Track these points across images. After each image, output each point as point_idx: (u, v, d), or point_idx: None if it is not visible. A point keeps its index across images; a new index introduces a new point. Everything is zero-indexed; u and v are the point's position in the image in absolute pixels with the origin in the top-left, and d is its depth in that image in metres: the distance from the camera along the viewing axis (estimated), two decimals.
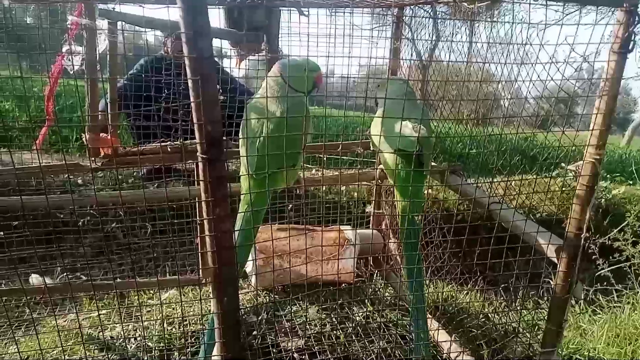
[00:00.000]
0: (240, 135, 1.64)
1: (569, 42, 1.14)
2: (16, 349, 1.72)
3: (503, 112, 1.81)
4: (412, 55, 2.20)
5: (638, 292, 2.93)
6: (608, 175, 5.94)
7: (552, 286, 1.39)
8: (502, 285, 2.57)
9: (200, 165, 0.99)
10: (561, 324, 1.40)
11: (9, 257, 2.03)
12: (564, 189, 1.89)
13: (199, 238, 2.14)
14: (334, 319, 2.06)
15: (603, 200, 4.71)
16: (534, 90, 1.46)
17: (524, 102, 1.56)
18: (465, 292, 2.47)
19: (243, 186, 1.60)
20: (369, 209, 2.51)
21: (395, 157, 1.70)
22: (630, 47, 1.09)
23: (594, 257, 3.24)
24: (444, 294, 2.38)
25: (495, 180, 1.71)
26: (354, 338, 1.95)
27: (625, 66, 1.12)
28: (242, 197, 1.58)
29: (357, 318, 2.09)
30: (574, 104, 1.43)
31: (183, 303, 2.11)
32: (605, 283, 3.06)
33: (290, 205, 2.34)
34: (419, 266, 1.73)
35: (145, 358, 1.75)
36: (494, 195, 1.62)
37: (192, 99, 0.93)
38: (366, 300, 2.23)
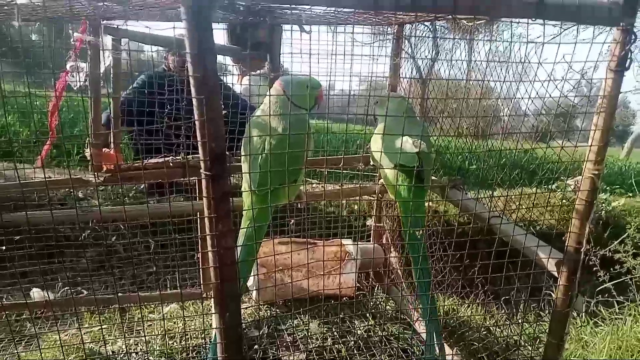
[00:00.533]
0: (243, 152, 1.65)
1: (566, 60, 1.16)
2: None
3: (503, 127, 1.83)
4: (412, 70, 2.23)
5: (639, 303, 2.93)
6: (608, 188, 5.96)
7: (553, 299, 1.39)
8: (504, 298, 2.57)
9: (204, 181, 1.00)
10: (562, 337, 1.40)
11: (10, 272, 2.04)
12: (563, 201, 1.90)
13: (200, 252, 2.15)
14: (335, 333, 2.06)
15: (603, 212, 4.72)
16: (533, 105, 1.48)
17: (523, 117, 1.58)
18: (467, 305, 2.47)
19: (245, 202, 1.62)
20: (370, 222, 2.52)
21: (396, 173, 1.71)
22: (627, 65, 1.11)
23: (594, 269, 3.24)
24: (446, 307, 2.38)
25: (495, 194, 1.72)
26: (355, 352, 1.95)
27: (622, 83, 1.14)
28: (244, 212, 1.59)
29: (359, 332, 2.09)
30: (573, 117, 1.44)
31: (185, 319, 2.10)
32: (606, 295, 3.06)
33: (292, 221, 2.34)
34: (427, 280, 1.74)
35: None
36: (494, 209, 1.63)
37: (196, 117, 0.94)
38: (367, 314, 2.22)
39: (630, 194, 5.61)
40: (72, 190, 2.72)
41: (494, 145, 1.76)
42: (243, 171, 1.59)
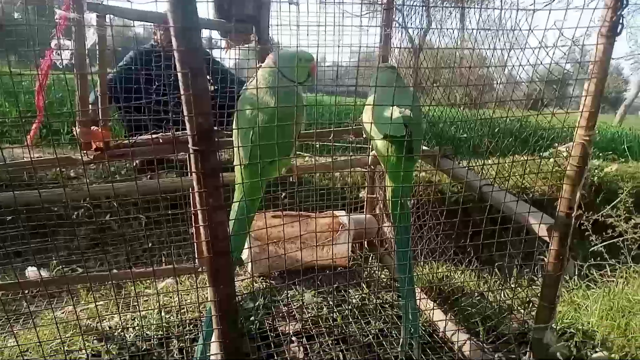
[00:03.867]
0: (234, 126, 1.63)
1: (557, 26, 1.14)
2: (13, 343, 1.74)
3: (495, 95, 1.82)
4: (403, 40, 2.20)
5: (631, 266, 2.97)
6: (601, 154, 5.99)
7: (545, 264, 1.41)
8: (497, 264, 2.60)
9: (192, 157, 0.99)
10: (554, 301, 1.42)
11: (3, 253, 2.04)
12: (555, 169, 1.91)
13: (193, 227, 2.16)
14: (330, 302, 2.08)
15: (596, 178, 4.77)
16: (525, 74, 1.47)
17: (515, 84, 1.57)
18: (460, 272, 2.50)
19: (237, 176, 1.61)
20: (363, 194, 2.53)
21: (386, 143, 1.71)
22: (618, 31, 1.09)
23: (587, 233, 3.28)
24: (439, 274, 2.41)
25: (487, 162, 1.72)
26: (350, 320, 1.98)
27: (613, 49, 1.13)
28: (236, 186, 1.58)
29: (353, 300, 2.11)
30: (565, 85, 1.44)
31: (180, 291, 2.12)
32: (598, 258, 3.10)
33: (284, 194, 2.35)
34: (409, 249, 1.75)
35: (144, 346, 1.76)
36: (486, 177, 1.64)
37: (182, 92, 0.93)
38: (362, 283, 2.25)
39: (623, 160, 5.64)
40: (60, 169, 2.69)
41: (486, 114, 1.75)
42: (234, 146, 1.58)
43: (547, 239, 1.37)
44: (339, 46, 1.48)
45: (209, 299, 1.18)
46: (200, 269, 2.21)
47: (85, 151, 1.80)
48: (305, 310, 2.03)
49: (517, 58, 1.37)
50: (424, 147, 1.94)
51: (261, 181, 1.56)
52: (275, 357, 1.75)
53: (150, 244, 2.87)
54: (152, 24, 3.23)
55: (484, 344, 1.91)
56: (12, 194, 1.45)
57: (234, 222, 1.52)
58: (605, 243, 3.20)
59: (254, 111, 1.51)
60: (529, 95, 1.66)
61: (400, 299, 1.98)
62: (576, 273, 2.91)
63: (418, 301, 1.96)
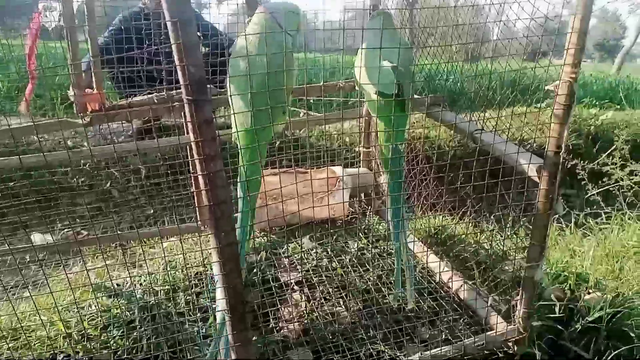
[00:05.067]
0: (230, 83, 1.54)
1: None
2: (24, 307, 1.81)
3: (491, 46, 1.81)
4: None
5: (626, 212, 3.02)
6: (597, 103, 5.98)
7: (535, 203, 1.45)
8: (492, 213, 2.65)
9: (186, 107, 1.02)
10: (544, 240, 1.47)
11: (7, 222, 2.08)
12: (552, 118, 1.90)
13: (193, 187, 2.20)
14: (330, 253, 2.14)
15: (592, 127, 4.78)
16: (522, 23, 1.46)
17: (512, 35, 1.56)
18: (456, 220, 2.55)
19: (240, 139, 1.56)
20: (359, 149, 2.56)
21: (377, 99, 1.72)
22: None
23: (583, 182, 3.32)
24: (435, 224, 2.46)
25: (483, 115, 1.72)
26: (350, 269, 2.04)
27: None
28: (240, 152, 1.55)
29: (352, 251, 2.17)
30: (562, 33, 1.43)
31: (184, 250, 2.17)
32: (595, 207, 3.15)
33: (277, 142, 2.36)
34: (402, 193, 1.77)
35: (152, 300, 1.83)
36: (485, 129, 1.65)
37: (172, 41, 0.95)
38: (360, 234, 2.31)
39: (618, 107, 5.64)
40: (63, 133, 2.71)
41: (482, 65, 1.75)
42: (232, 106, 1.53)
43: (536, 179, 1.40)
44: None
45: (212, 251, 1.23)
46: (203, 228, 2.27)
47: (81, 114, 1.82)
48: (305, 261, 2.09)
49: (510, 7, 1.36)
50: (416, 96, 1.94)
51: (262, 137, 1.54)
52: (279, 304, 1.82)
53: (152, 210, 2.92)
54: None
55: (479, 288, 1.98)
56: (16, 158, 1.48)
57: (240, 187, 1.52)
58: (601, 190, 3.25)
59: (249, 61, 1.44)
60: (525, 46, 1.65)
61: (392, 245, 2.02)
62: (572, 222, 2.96)
63: (412, 246, 2.01)
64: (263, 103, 1.44)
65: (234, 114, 1.46)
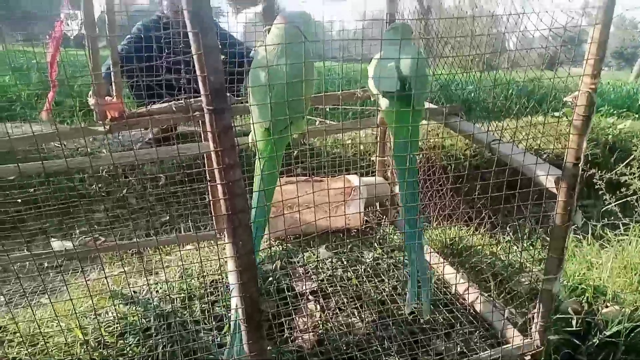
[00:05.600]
0: (250, 88, 1.57)
1: None
2: (42, 313, 1.83)
3: (508, 55, 1.80)
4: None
5: None
6: (615, 112, 5.91)
7: (553, 215, 1.43)
8: (509, 224, 2.63)
9: (207, 116, 1.03)
10: (562, 252, 1.45)
11: (27, 228, 2.12)
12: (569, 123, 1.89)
13: (210, 195, 2.21)
14: (345, 262, 2.14)
15: (610, 136, 4.72)
16: (538, 32, 1.45)
17: (529, 45, 1.55)
18: (472, 231, 2.53)
19: (259, 146, 1.56)
20: (374, 158, 2.56)
21: (383, 99, 1.72)
22: None
23: (601, 192, 3.28)
24: (451, 234, 2.45)
25: (499, 124, 1.72)
26: (365, 279, 2.04)
27: None
28: (257, 160, 1.55)
29: (367, 261, 2.16)
30: (580, 42, 1.42)
31: (201, 257, 2.19)
32: (612, 218, 3.10)
33: (295, 152, 2.37)
34: (416, 204, 1.76)
35: (169, 307, 1.84)
36: (497, 134, 1.65)
37: (193, 51, 0.96)
38: (375, 243, 2.30)
39: (637, 115, 5.56)
40: (85, 139, 2.75)
41: (500, 75, 1.74)
42: (252, 111, 1.54)
43: (554, 190, 1.39)
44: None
45: (228, 260, 1.23)
46: (219, 236, 2.28)
47: (102, 121, 1.85)
48: (320, 270, 2.09)
49: (529, 18, 1.36)
50: (433, 106, 1.94)
51: (280, 146, 1.55)
52: (294, 314, 1.81)
53: (168, 217, 2.94)
54: None
55: (495, 300, 1.96)
56: (39, 163, 1.51)
57: (258, 195, 1.53)
58: (619, 201, 3.20)
59: (272, 72, 1.46)
60: (544, 55, 1.64)
61: (406, 256, 2.01)
62: (589, 233, 2.93)
63: (429, 258, 1.99)
64: (283, 113, 1.45)
65: (253, 123, 1.47)
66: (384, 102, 1.76)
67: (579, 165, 1.32)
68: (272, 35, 1.56)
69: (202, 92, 1.00)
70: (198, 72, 0.98)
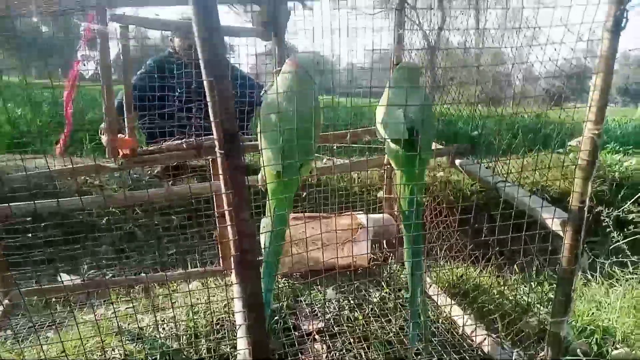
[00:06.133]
0: (261, 132, 1.60)
1: (563, 22, 1.19)
2: (49, 348, 1.82)
3: (513, 92, 1.83)
4: (418, 41, 2.23)
5: None
6: (621, 148, 5.93)
7: (559, 258, 1.44)
8: (516, 262, 2.61)
9: (219, 160, 1.06)
10: (569, 295, 1.45)
11: (33, 260, 2.13)
12: (573, 165, 1.91)
13: (218, 231, 2.23)
14: (351, 302, 2.13)
15: (617, 173, 4.72)
16: (544, 68, 1.49)
17: (533, 80, 1.59)
18: (478, 270, 2.52)
19: (269, 187, 1.59)
20: (381, 194, 2.57)
21: (390, 145, 1.75)
22: (622, 25, 1.13)
23: (608, 230, 3.26)
24: (458, 272, 2.44)
25: (505, 160, 1.74)
26: (371, 318, 2.03)
27: (618, 43, 1.16)
28: (269, 200, 1.58)
29: (374, 300, 2.16)
30: (585, 78, 1.46)
31: (209, 295, 2.18)
32: (620, 255, 3.08)
33: (304, 193, 2.40)
34: (420, 246, 1.76)
35: (175, 345, 1.83)
36: (503, 175, 1.67)
37: (208, 98, 1.00)
38: (382, 282, 2.29)
39: None
40: (99, 175, 2.79)
41: (505, 111, 1.77)
42: (263, 153, 1.56)
43: (560, 233, 1.40)
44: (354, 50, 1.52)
45: (235, 296, 1.24)
46: (225, 271, 2.29)
47: (113, 158, 1.88)
48: (327, 309, 2.08)
49: (527, 54, 1.40)
50: (438, 146, 1.97)
51: (291, 188, 1.58)
52: (300, 355, 1.80)
53: (175, 249, 2.95)
54: (172, 33, 3.33)
55: (503, 341, 1.94)
56: (55, 201, 1.53)
57: (270, 234, 1.55)
58: (627, 239, 3.19)
59: (281, 115, 1.49)
60: (547, 91, 1.67)
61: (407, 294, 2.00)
62: (597, 271, 2.90)
63: (436, 297, 1.99)
64: (293, 154, 1.48)
65: (264, 166, 1.50)
66: (391, 147, 1.79)
67: (585, 208, 1.33)
68: (282, 79, 1.60)
69: (215, 136, 1.04)
70: (212, 117, 1.01)
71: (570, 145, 1.28)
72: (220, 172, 1.08)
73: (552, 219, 1.39)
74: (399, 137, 1.69)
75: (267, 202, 1.54)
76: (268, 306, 1.58)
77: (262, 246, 1.66)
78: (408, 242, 1.79)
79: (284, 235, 1.61)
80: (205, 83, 0.98)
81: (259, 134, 1.56)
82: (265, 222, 1.58)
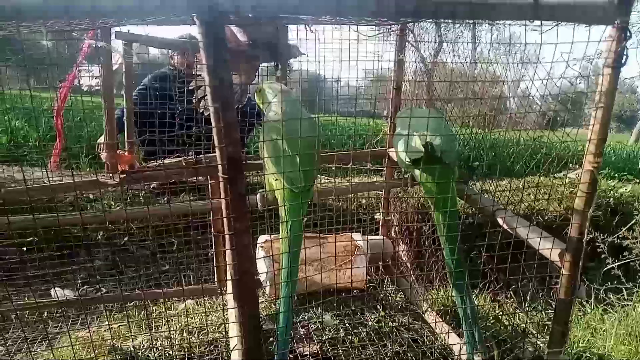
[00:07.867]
0: (266, 154, 1.58)
1: (564, 58, 1.20)
2: None
3: (509, 116, 1.86)
4: (416, 60, 2.26)
5: None
6: (616, 175, 5.96)
7: (557, 288, 1.44)
8: (513, 287, 2.61)
9: (222, 184, 1.06)
10: (567, 324, 1.45)
11: (25, 275, 2.10)
12: (570, 190, 1.92)
13: (214, 249, 2.22)
14: (347, 324, 2.12)
15: (611, 199, 4.73)
16: (539, 93, 1.51)
17: (529, 105, 1.60)
18: (475, 295, 2.52)
19: (286, 209, 1.58)
20: (378, 216, 2.57)
21: (418, 169, 1.77)
22: (623, 62, 1.15)
23: (603, 256, 3.27)
24: (453, 298, 2.43)
25: (502, 184, 1.75)
26: (367, 342, 2.01)
27: (618, 78, 1.18)
28: (281, 223, 1.59)
29: (370, 323, 2.14)
30: (582, 104, 1.48)
31: (202, 312, 2.17)
32: (615, 282, 3.09)
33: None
34: (465, 269, 1.77)
35: None
36: (499, 200, 1.68)
37: (213, 124, 1.00)
38: (378, 306, 2.28)
39: (638, 180, 5.60)
40: (100, 192, 2.77)
41: (500, 135, 1.79)
42: (271, 173, 1.57)
43: (559, 263, 1.40)
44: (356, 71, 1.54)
45: (230, 319, 1.24)
46: (220, 291, 2.27)
47: (112, 174, 1.88)
48: (323, 332, 2.07)
49: (527, 87, 1.42)
50: None
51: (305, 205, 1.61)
52: None
53: (168, 267, 2.93)
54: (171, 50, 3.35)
55: None
56: (54, 216, 1.53)
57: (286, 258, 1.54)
58: (620, 263, 3.19)
59: (292, 138, 1.51)
60: (544, 115, 1.69)
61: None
62: (592, 297, 2.90)
63: (433, 325, 1.98)
64: (307, 175, 1.53)
65: (274, 189, 1.52)
66: (417, 173, 1.81)
67: (583, 240, 1.33)
68: (280, 106, 1.62)
69: (219, 161, 1.04)
70: (216, 143, 1.02)
71: (569, 177, 1.28)
72: (222, 195, 1.08)
73: (551, 250, 1.39)
74: (418, 154, 1.71)
75: (281, 225, 1.55)
76: (286, 346, 1.56)
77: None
78: (449, 266, 1.80)
79: (298, 256, 1.62)
80: (210, 110, 0.99)
81: (264, 159, 1.55)
82: (282, 244, 1.58)
